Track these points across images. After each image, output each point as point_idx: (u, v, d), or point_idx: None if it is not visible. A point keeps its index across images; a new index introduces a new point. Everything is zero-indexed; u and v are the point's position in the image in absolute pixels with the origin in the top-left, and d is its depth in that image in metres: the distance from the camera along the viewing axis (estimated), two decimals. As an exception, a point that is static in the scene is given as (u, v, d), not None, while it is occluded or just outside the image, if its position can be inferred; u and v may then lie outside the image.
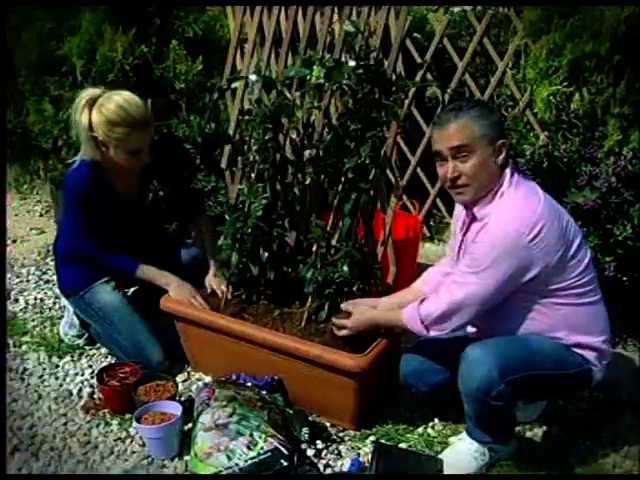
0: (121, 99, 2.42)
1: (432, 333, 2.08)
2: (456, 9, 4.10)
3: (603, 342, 2.06)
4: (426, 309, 2.08)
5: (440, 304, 2.05)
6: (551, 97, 2.68)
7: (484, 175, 2.00)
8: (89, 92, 2.47)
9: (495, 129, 2.00)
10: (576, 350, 2.04)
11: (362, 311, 2.26)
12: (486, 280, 1.96)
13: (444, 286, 2.08)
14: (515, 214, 1.94)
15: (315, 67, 2.20)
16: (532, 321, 2.04)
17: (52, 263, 3.53)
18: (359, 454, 2.24)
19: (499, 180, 2.01)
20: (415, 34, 3.99)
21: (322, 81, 2.22)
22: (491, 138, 1.99)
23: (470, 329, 2.29)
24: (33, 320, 3.02)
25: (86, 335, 2.82)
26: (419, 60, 3.12)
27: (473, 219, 2.07)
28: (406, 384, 2.31)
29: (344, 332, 2.24)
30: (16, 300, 3.20)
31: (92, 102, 2.44)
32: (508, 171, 2.03)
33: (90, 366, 2.70)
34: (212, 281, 2.63)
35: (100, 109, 2.42)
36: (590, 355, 2.05)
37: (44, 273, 3.47)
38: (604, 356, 2.08)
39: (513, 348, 2.00)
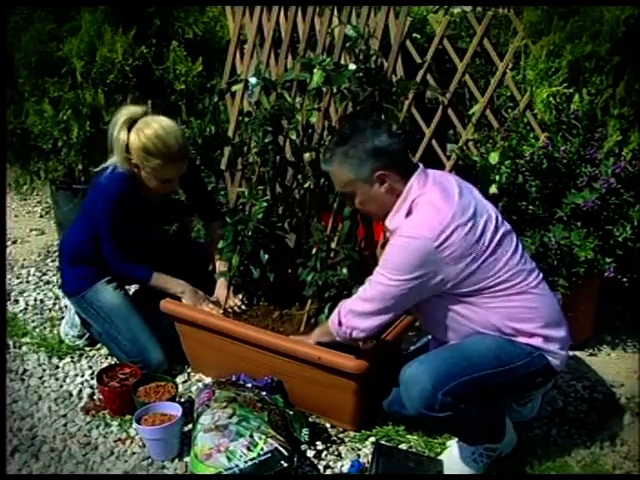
0: (160, 128, 2.39)
1: (345, 330, 2.11)
2: (456, 10, 4.11)
3: (544, 326, 2.04)
4: (340, 306, 2.14)
5: (352, 300, 2.12)
6: (551, 98, 2.68)
7: (373, 206, 2.10)
8: (130, 110, 2.44)
9: (365, 166, 2.02)
10: (520, 340, 2.04)
11: (307, 334, 2.33)
12: (393, 281, 1.99)
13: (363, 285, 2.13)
14: (424, 221, 1.97)
15: (316, 71, 2.19)
16: (469, 320, 2.05)
17: (52, 264, 3.55)
18: (359, 455, 2.24)
19: (400, 196, 2.04)
20: (415, 35, 3.99)
21: (321, 85, 2.22)
22: (364, 177, 2.03)
23: (431, 341, 2.32)
24: (33, 321, 3.02)
25: (87, 335, 2.82)
26: (419, 61, 3.12)
27: (391, 232, 2.10)
28: (392, 413, 2.31)
29: None
30: (16, 301, 3.20)
31: (131, 122, 2.41)
32: (415, 180, 2.04)
33: (90, 367, 2.70)
34: (221, 295, 2.62)
35: (138, 134, 2.39)
36: (536, 341, 2.03)
37: (44, 274, 3.47)
38: (552, 340, 2.05)
39: (445, 358, 2.00)
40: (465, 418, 2.00)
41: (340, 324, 2.12)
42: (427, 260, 1.94)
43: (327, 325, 2.21)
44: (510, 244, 2.04)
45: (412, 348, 2.48)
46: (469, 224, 1.96)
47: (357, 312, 2.09)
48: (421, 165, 2.09)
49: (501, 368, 1.99)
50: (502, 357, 2.00)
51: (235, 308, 2.55)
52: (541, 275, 2.10)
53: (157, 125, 2.40)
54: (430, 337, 2.33)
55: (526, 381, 2.08)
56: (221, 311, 2.52)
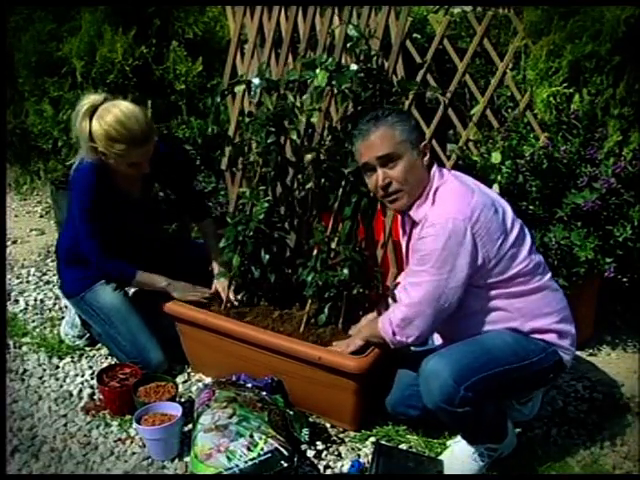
0: (120, 113, 2.36)
1: (401, 339, 2.08)
2: (456, 10, 4.11)
3: (559, 322, 2.06)
4: (391, 315, 2.09)
5: (400, 308, 2.06)
6: (551, 98, 2.68)
7: (413, 177, 2.04)
8: (90, 99, 2.42)
9: (415, 133, 2.05)
10: (535, 336, 2.05)
11: (355, 334, 2.28)
12: (439, 273, 1.96)
13: (401, 290, 2.09)
14: (452, 205, 1.97)
15: (319, 71, 2.19)
16: (486, 316, 2.06)
17: (52, 264, 3.54)
18: (359, 455, 2.24)
19: (428, 180, 2.05)
20: (415, 35, 4.00)
21: (324, 86, 2.22)
22: (413, 141, 2.04)
23: (437, 340, 2.32)
24: (33, 321, 3.02)
25: (87, 335, 2.83)
26: (419, 61, 3.12)
27: (413, 224, 2.09)
28: (396, 414, 2.30)
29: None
30: (16, 301, 3.20)
31: (92, 110, 2.39)
32: (435, 170, 2.07)
33: (90, 367, 2.70)
34: (219, 285, 2.62)
35: (99, 121, 2.37)
36: (550, 337, 2.05)
37: (44, 274, 3.47)
38: (565, 335, 2.08)
39: (466, 353, 2.00)
40: (480, 415, 2.00)
41: (394, 334, 2.08)
42: (466, 241, 1.93)
43: (375, 330, 2.15)
44: (526, 236, 2.06)
45: (413, 348, 2.47)
46: (493, 208, 1.98)
47: (409, 318, 2.04)
48: (434, 161, 2.11)
49: (518, 363, 2.00)
50: (519, 352, 2.01)
51: (233, 302, 2.54)
52: (550, 272, 2.12)
53: (117, 110, 2.37)
54: (437, 340, 2.32)
55: (540, 377, 2.10)
56: (210, 291, 2.57)
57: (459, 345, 2.06)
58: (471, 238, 1.93)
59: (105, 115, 2.37)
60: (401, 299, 2.08)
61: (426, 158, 2.06)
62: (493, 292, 2.03)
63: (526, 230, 2.09)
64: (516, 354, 2.01)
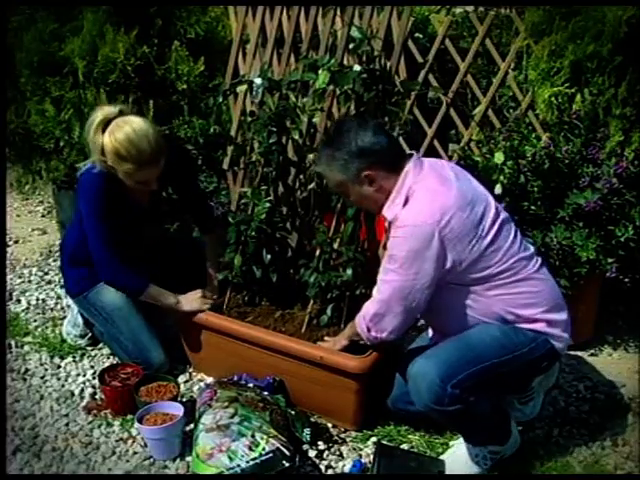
0: (132, 131, 2.32)
1: (376, 335, 2.10)
2: (458, 10, 4.10)
3: (548, 311, 2.05)
4: (364, 312, 2.12)
5: (372, 304, 2.09)
6: (553, 98, 2.68)
7: (368, 202, 2.11)
8: (104, 111, 2.38)
9: (350, 167, 2.03)
10: (524, 326, 2.04)
11: (340, 334, 2.30)
12: (406, 275, 1.98)
13: (376, 286, 2.11)
14: (425, 207, 1.96)
15: (321, 71, 2.20)
16: (472, 310, 2.05)
17: (54, 264, 3.55)
18: (361, 455, 2.24)
19: (393, 189, 2.03)
20: (417, 34, 3.99)
21: (325, 86, 2.22)
22: (351, 178, 2.04)
23: (431, 335, 2.32)
24: (35, 321, 3.03)
25: (89, 335, 2.83)
26: (421, 61, 3.12)
27: (389, 222, 2.09)
28: (397, 410, 2.30)
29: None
30: (18, 301, 3.20)
31: (105, 124, 2.36)
32: (411, 166, 2.03)
33: (92, 367, 2.70)
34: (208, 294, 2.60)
35: (110, 138, 2.33)
36: (540, 326, 2.05)
37: (46, 274, 3.47)
38: (556, 324, 2.06)
39: (452, 351, 2.00)
40: (474, 412, 2.00)
41: (369, 330, 2.11)
42: (433, 245, 1.92)
43: (354, 327, 2.18)
44: (509, 232, 2.04)
45: (412, 346, 2.47)
46: (468, 209, 1.96)
47: (380, 314, 2.07)
48: (415, 154, 2.09)
49: (507, 356, 2.00)
50: (507, 345, 2.01)
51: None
52: (540, 260, 2.11)
53: (129, 128, 2.33)
54: (431, 333, 2.33)
55: (533, 366, 2.09)
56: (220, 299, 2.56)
57: (445, 344, 2.06)
58: (439, 242, 1.93)
59: (116, 131, 2.34)
60: (374, 295, 2.10)
61: (375, 184, 2.03)
62: (475, 287, 2.02)
63: (510, 225, 2.06)
64: (504, 347, 2.00)
